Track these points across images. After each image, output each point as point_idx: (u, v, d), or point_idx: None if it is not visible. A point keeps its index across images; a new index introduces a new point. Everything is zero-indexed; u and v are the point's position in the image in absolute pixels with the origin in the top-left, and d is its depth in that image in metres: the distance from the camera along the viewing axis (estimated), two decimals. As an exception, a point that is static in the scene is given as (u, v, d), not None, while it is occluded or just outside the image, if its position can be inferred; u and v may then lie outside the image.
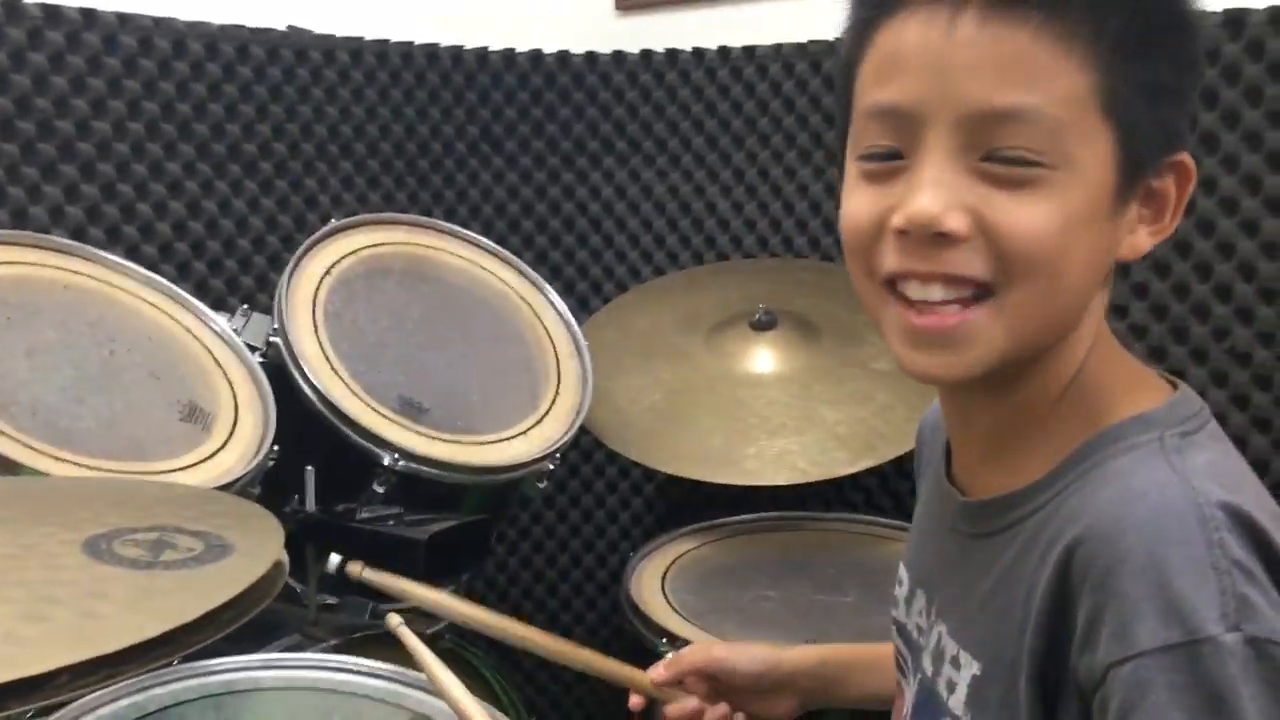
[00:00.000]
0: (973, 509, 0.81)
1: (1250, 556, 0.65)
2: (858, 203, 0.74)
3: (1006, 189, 0.69)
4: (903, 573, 0.92)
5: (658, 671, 1.12)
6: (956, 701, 0.78)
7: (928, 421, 0.98)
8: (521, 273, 1.84)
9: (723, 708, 1.10)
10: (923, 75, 0.70)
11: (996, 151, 0.69)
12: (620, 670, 1.15)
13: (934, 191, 0.69)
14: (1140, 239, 0.74)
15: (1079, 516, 0.70)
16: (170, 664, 1.17)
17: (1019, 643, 0.71)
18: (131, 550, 0.71)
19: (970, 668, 0.77)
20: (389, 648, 1.41)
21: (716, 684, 1.11)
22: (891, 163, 0.72)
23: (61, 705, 1.10)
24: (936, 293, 0.71)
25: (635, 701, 1.14)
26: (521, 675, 2.26)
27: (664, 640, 1.49)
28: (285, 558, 0.76)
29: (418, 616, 1.64)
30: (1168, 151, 0.73)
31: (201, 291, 1.85)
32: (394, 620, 1.12)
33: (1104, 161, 0.70)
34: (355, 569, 1.19)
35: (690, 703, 1.10)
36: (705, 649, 1.13)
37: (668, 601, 1.59)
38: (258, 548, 0.75)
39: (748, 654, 1.11)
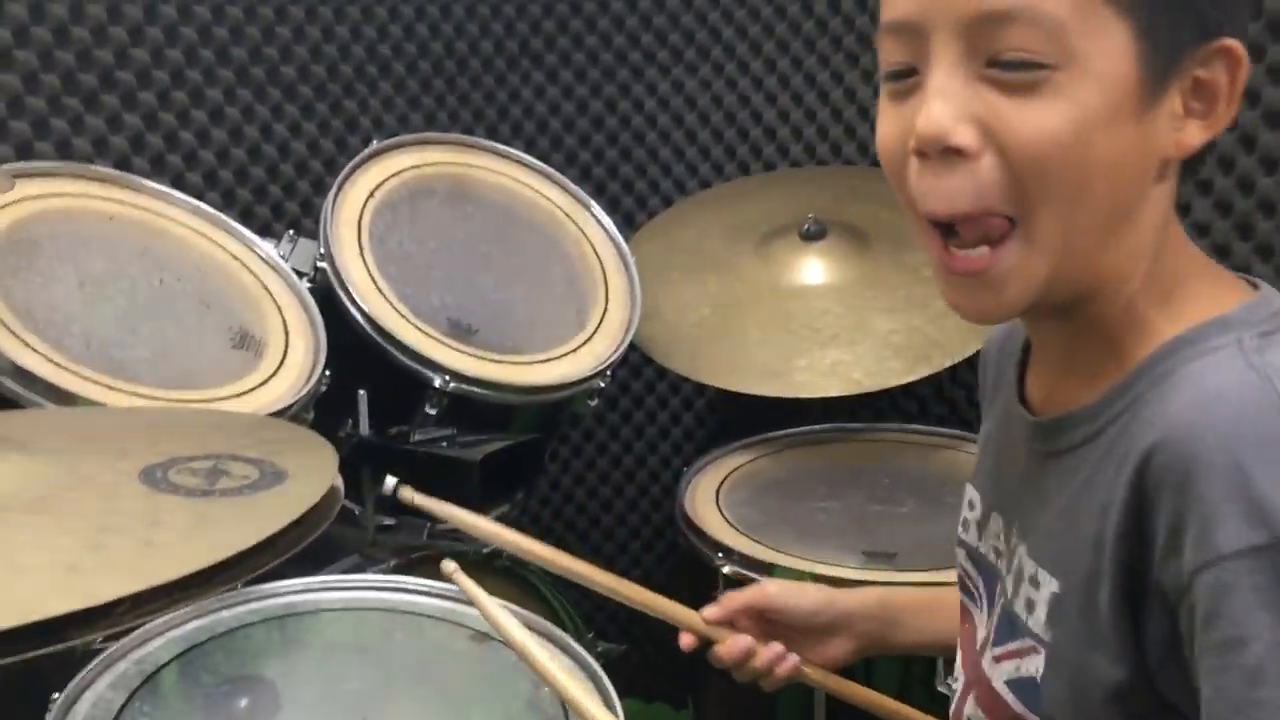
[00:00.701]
0: (1047, 427, 0.79)
1: None
2: (884, 126, 0.73)
3: (1013, 95, 0.67)
4: (974, 495, 0.90)
5: (709, 610, 1.11)
6: (1036, 621, 0.76)
7: (993, 343, 0.95)
8: (565, 189, 1.82)
9: (776, 647, 1.09)
10: None
11: (998, 56, 0.67)
12: (670, 608, 1.14)
13: (940, 104, 0.68)
14: (1190, 134, 0.71)
15: (1155, 423, 0.68)
16: (234, 588, 1.20)
17: (1098, 556, 0.70)
18: (188, 479, 0.71)
19: (1050, 585, 0.76)
20: (446, 566, 1.43)
21: (769, 624, 1.10)
22: (908, 80, 0.71)
23: (129, 631, 1.13)
24: (972, 231, 0.70)
25: (687, 641, 1.12)
26: (579, 591, 2.28)
27: (720, 554, 1.49)
28: (339, 482, 0.76)
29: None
30: (1205, 38, 0.69)
31: (247, 218, 1.85)
32: (449, 566, 1.12)
33: (1120, 55, 0.67)
34: (407, 494, 1.19)
35: (741, 641, 1.09)
36: (760, 588, 1.11)
37: (723, 515, 1.59)
38: (312, 473, 0.75)
39: (801, 593, 1.10)
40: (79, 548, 0.62)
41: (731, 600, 1.11)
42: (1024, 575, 0.79)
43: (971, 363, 1.93)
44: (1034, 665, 0.76)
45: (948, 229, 0.71)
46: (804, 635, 1.10)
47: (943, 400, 2.04)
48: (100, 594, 0.56)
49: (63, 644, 0.58)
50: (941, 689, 1.25)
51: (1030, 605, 0.77)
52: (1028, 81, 0.67)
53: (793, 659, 1.09)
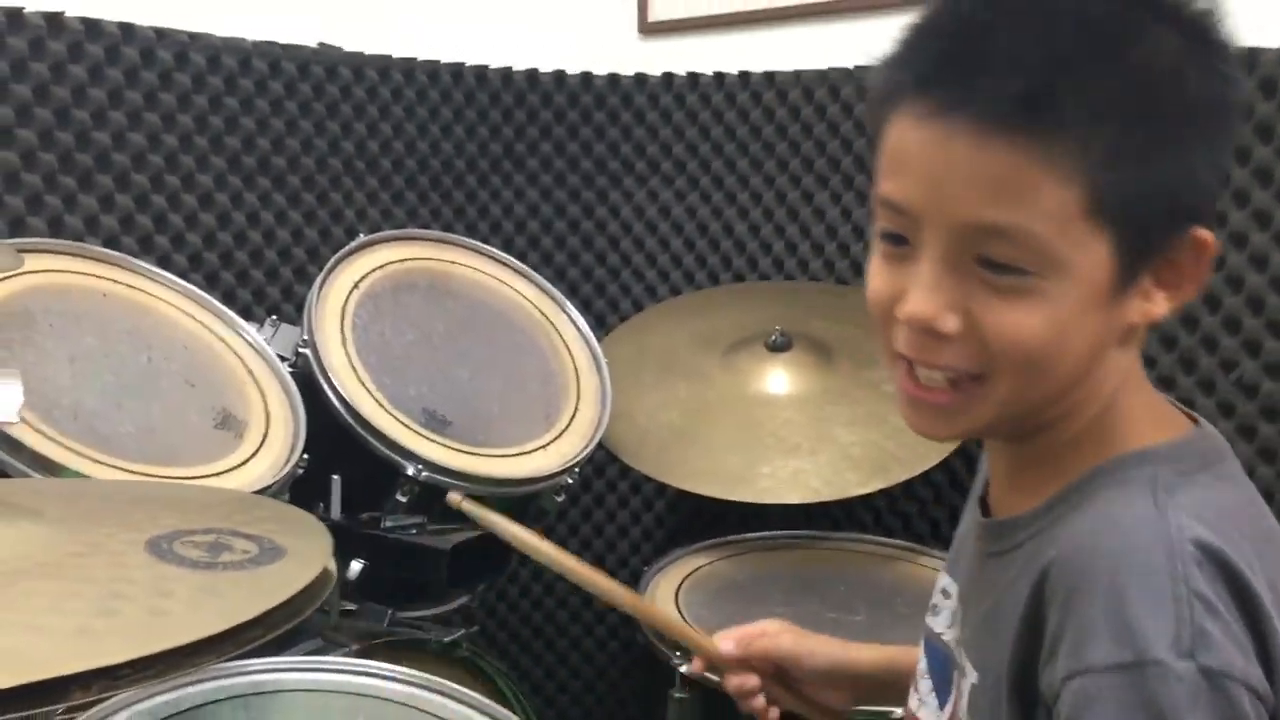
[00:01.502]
0: (989, 528, 0.85)
1: (1218, 593, 0.68)
2: (875, 281, 0.79)
3: (999, 294, 0.73)
4: (948, 584, 0.95)
5: (728, 646, 1.12)
6: (962, 708, 0.82)
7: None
8: (542, 289, 1.88)
9: (776, 691, 1.12)
10: (921, 181, 0.74)
11: (988, 259, 0.73)
12: (690, 634, 1.16)
13: (929, 295, 0.74)
14: (1156, 306, 0.76)
15: (1059, 542, 0.74)
16: (239, 656, 1.21)
17: (1003, 657, 0.76)
18: (191, 551, 0.74)
19: (971, 677, 0.81)
20: (407, 654, 1.45)
21: (780, 670, 1.13)
22: (901, 248, 0.77)
23: (95, 703, 1.14)
24: (936, 378, 0.77)
25: (697, 665, 1.17)
26: (530, 686, 2.29)
27: (678, 654, 1.51)
28: (333, 563, 0.80)
29: (434, 625, 1.69)
30: (1178, 231, 0.74)
31: (229, 301, 1.88)
32: (455, 497, 1.16)
33: (1100, 261, 0.73)
34: (455, 498, 1.20)
35: (750, 682, 1.12)
36: (775, 639, 1.13)
37: (682, 616, 1.62)
38: (308, 551, 0.79)
39: (818, 651, 1.12)
40: (90, 613, 0.65)
41: (751, 646, 1.12)
42: (959, 665, 0.85)
43: (926, 478, 2.00)
44: None
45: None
46: (810, 684, 1.12)
47: (895, 513, 2.09)
48: (112, 656, 0.59)
49: (64, 703, 0.61)
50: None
51: (960, 693, 0.83)
52: (1013, 285, 0.72)
53: (785, 704, 1.13)
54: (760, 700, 1.12)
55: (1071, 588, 0.70)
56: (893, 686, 1.11)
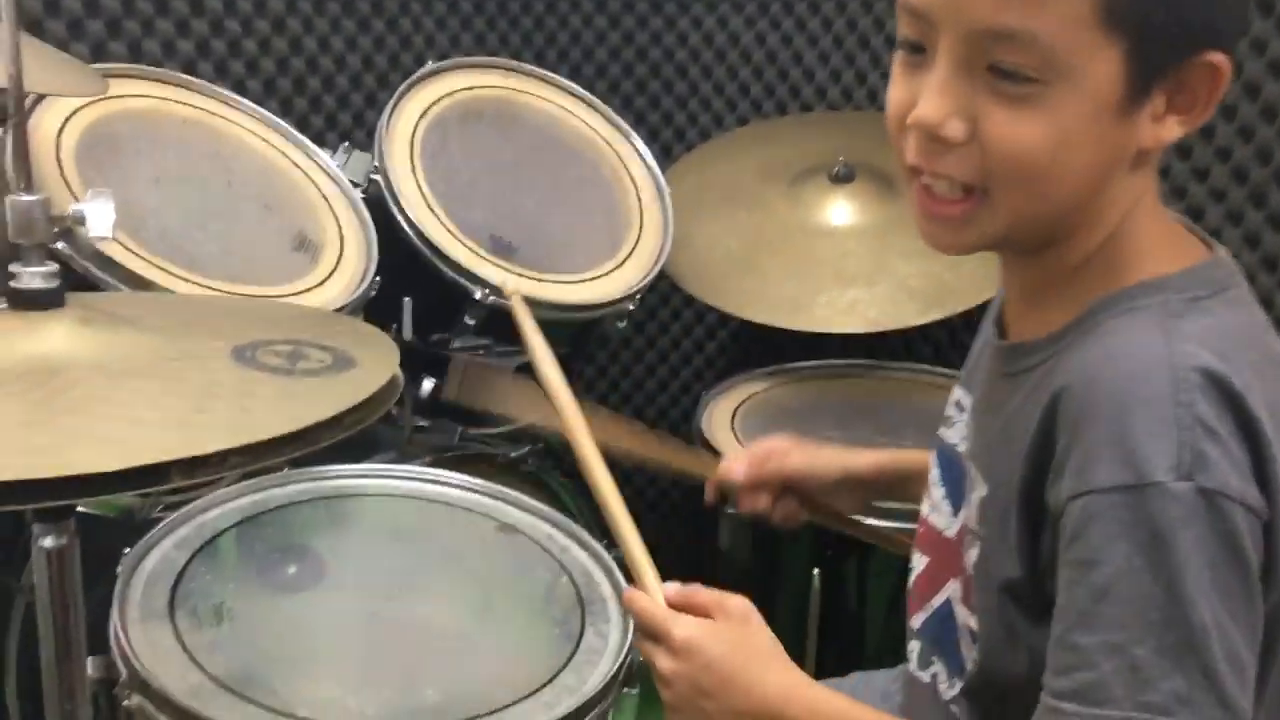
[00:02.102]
0: (1003, 350, 0.88)
1: (1219, 418, 0.72)
2: (893, 92, 0.82)
3: (1005, 102, 0.75)
4: (962, 397, 0.98)
5: (738, 472, 1.19)
6: (971, 518, 0.87)
7: None
8: (607, 118, 1.90)
9: (789, 506, 1.19)
10: None
11: (997, 64, 0.74)
12: (697, 463, 1.23)
13: (938, 99, 0.76)
14: (1168, 129, 0.77)
15: (1069, 368, 0.77)
16: (283, 469, 1.31)
17: (1013, 471, 0.80)
18: (272, 359, 0.82)
19: (981, 489, 0.86)
20: (475, 467, 1.54)
21: (791, 485, 1.19)
22: (917, 56, 0.79)
23: (193, 488, 1.24)
24: (941, 186, 0.79)
25: (711, 495, 1.23)
26: (594, 502, 2.39)
27: (731, 473, 1.59)
28: (400, 373, 0.87)
29: (502, 441, 1.78)
30: (1193, 50, 0.74)
31: (303, 127, 1.92)
32: (513, 287, 1.19)
33: (1109, 72, 0.73)
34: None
35: (760, 502, 1.19)
36: (783, 459, 1.18)
37: (736, 438, 1.69)
38: (378, 362, 0.85)
39: (823, 463, 1.18)
40: (186, 409, 0.73)
41: (760, 469, 1.19)
42: (970, 477, 0.89)
43: (985, 308, 2.01)
44: (974, 554, 0.87)
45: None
46: (818, 494, 1.20)
47: (956, 346, 2.12)
48: (208, 445, 0.66)
49: (168, 484, 0.69)
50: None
51: (969, 503, 0.88)
52: (1020, 93, 0.74)
53: (802, 516, 1.20)
54: (775, 515, 1.20)
55: (1079, 414, 0.74)
56: (896, 486, 1.18)
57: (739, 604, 0.91)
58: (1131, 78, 0.74)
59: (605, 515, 1.02)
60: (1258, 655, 0.73)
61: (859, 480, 1.18)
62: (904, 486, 1.18)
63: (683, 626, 0.89)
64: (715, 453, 1.64)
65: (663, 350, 2.39)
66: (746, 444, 1.67)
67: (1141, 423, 0.72)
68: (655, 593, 0.94)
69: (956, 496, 0.94)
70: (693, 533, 2.37)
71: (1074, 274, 0.83)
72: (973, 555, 0.87)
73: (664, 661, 0.89)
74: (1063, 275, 0.83)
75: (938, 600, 0.95)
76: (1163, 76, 0.76)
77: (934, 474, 0.99)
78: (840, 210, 1.90)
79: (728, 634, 0.89)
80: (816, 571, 1.53)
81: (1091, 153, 0.76)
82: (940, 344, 2.13)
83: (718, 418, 1.76)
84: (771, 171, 1.99)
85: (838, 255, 1.84)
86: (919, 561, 1.00)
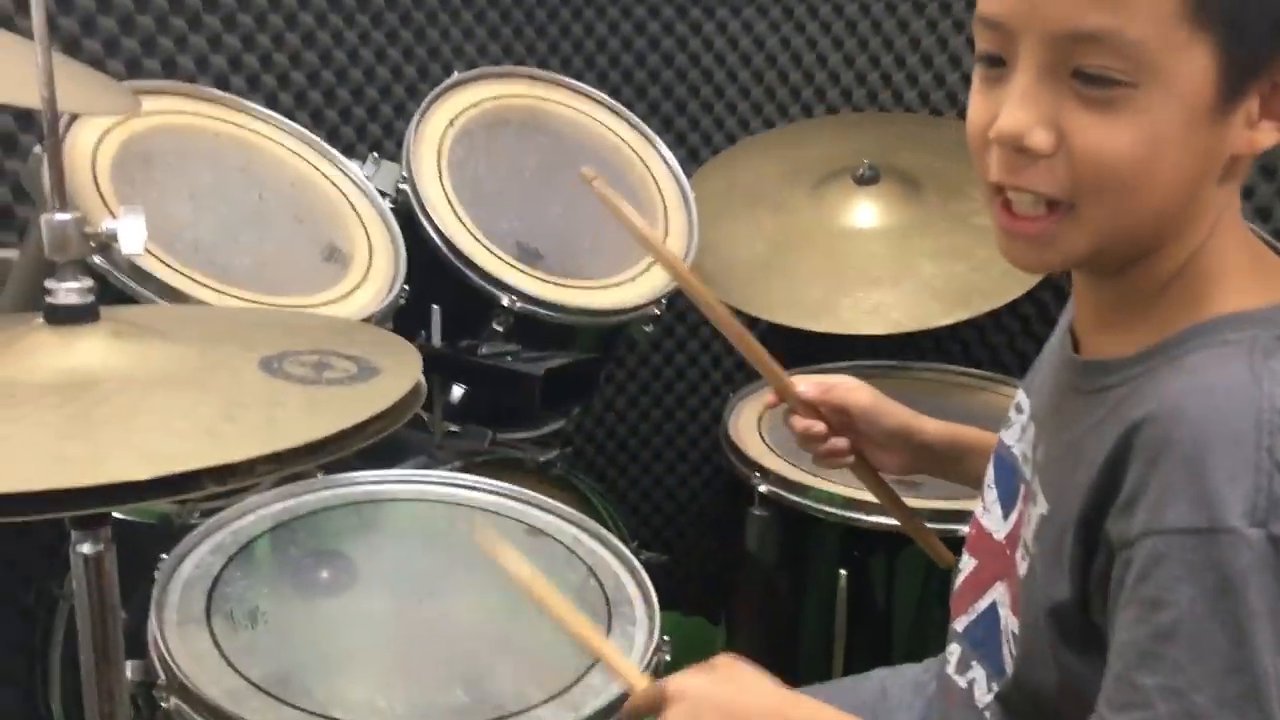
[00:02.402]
0: (1079, 365, 0.86)
1: None
2: (973, 107, 0.79)
3: (1092, 108, 0.72)
4: (1022, 400, 0.97)
5: (805, 387, 1.15)
6: (1029, 534, 0.86)
7: None
8: (634, 125, 1.91)
9: (841, 443, 1.15)
10: None
11: (1082, 68, 0.71)
12: (769, 364, 1.16)
13: (1020, 109, 0.73)
14: (1264, 134, 0.74)
15: (1152, 399, 0.74)
16: (315, 475, 1.34)
17: (1078, 493, 0.78)
18: (298, 369, 0.84)
19: (1041, 507, 0.84)
20: (505, 472, 1.56)
21: (849, 422, 1.15)
22: (997, 69, 0.76)
23: (228, 502, 1.28)
24: (1025, 202, 0.77)
25: (772, 399, 1.18)
26: (626, 507, 2.42)
27: (757, 474, 1.61)
28: (423, 380, 0.89)
29: (532, 445, 1.80)
30: None
31: (333, 139, 1.96)
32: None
33: (1201, 71, 0.70)
34: (598, 183, 1.10)
35: (816, 427, 1.15)
36: (851, 391, 1.15)
37: (763, 439, 1.70)
38: (401, 370, 0.88)
39: (891, 413, 1.15)
40: (216, 418, 0.75)
41: (830, 393, 1.14)
42: (1032, 489, 0.87)
43: (1014, 309, 2.02)
44: (1025, 566, 0.86)
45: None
46: (873, 442, 1.16)
47: (985, 345, 2.12)
48: (238, 453, 0.69)
49: (200, 491, 0.71)
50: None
51: (1028, 519, 0.87)
52: (1107, 97, 0.71)
53: (850, 459, 1.16)
54: (825, 447, 1.15)
55: (1158, 449, 0.72)
56: (954, 462, 1.15)
57: (725, 657, 0.90)
58: (1224, 77, 0.71)
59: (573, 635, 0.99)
60: None
61: (919, 442, 1.14)
62: (961, 462, 1.15)
63: (671, 681, 0.88)
64: (741, 455, 1.65)
65: (692, 353, 2.40)
66: (774, 448, 1.68)
67: (1221, 464, 0.70)
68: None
69: (1008, 501, 0.93)
70: (720, 535, 2.39)
71: (1156, 294, 0.79)
72: (1024, 567, 0.86)
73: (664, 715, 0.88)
74: (1144, 295, 0.80)
75: (983, 603, 0.95)
76: (1256, 76, 0.72)
77: (990, 475, 0.98)
78: (865, 212, 1.91)
79: (715, 673, 0.88)
80: (844, 571, 1.54)
81: (1183, 161, 0.73)
82: (969, 344, 2.13)
83: (744, 421, 1.77)
84: (797, 174, 2.00)
85: (863, 257, 1.84)
86: (967, 564, 0.99)
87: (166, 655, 1.04)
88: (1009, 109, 0.74)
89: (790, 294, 1.82)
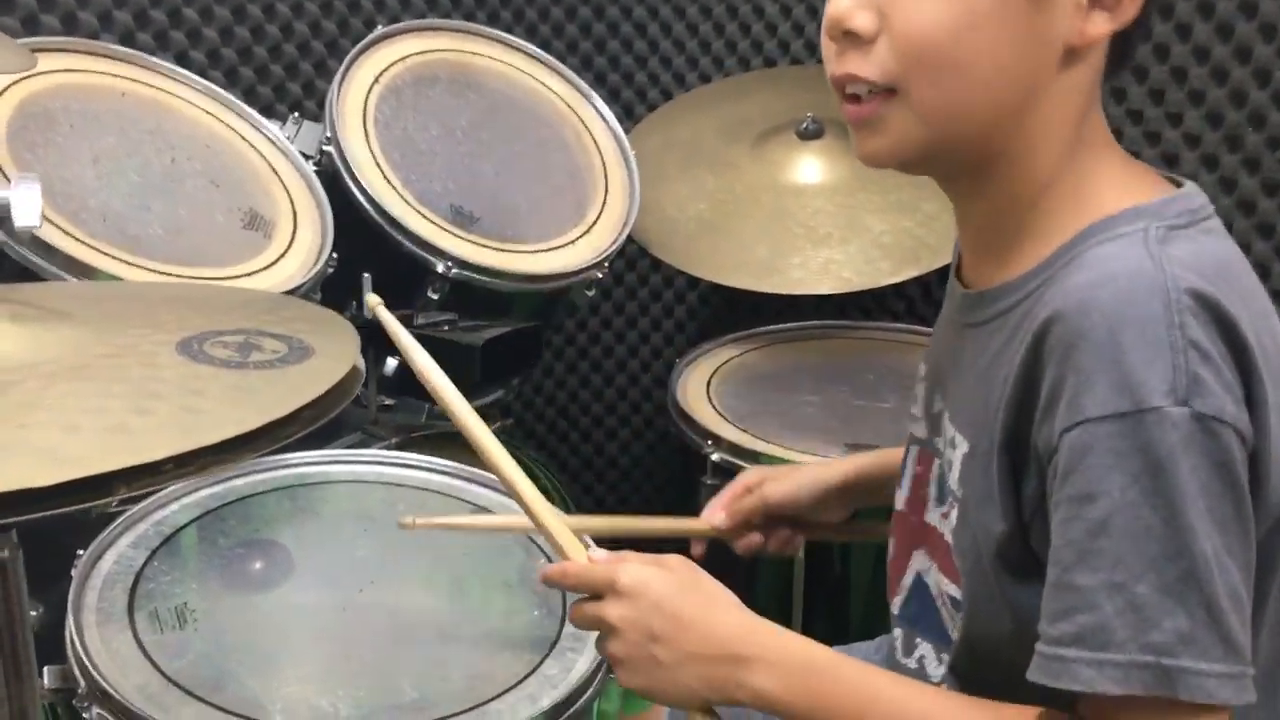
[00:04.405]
0: (970, 299, 0.85)
1: (1212, 340, 0.69)
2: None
3: None
4: (921, 369, 0.97)
5: (718, 520, 1.15)
6: (954, 480, 0.84)
7: None
8: (567, 79, 1.84)
9: (783, 534, 1.16)
10: None
11: None
12: (679, 524, 1.18)
13: None
14: (1095, 23, 0.75)
15: (1054, 299, 0.73)
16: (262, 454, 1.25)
17: (995, 420, 0.77)
18: (221, 351, 0.76)
19: (962, 446, 0.82)
20: (444, 446, 1.49)
21: (773, 512, 1.15)
22: None
23: (147, 495, 1.19)
24: (860, 91, 0.78)
25: (698, 550, 1.17)
26: (567, 476, 2.36)
27: (709, 442, 1.55)
28: (361, 362, 0.81)
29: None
30: None
31: (249, 99, 1.86)
32: (374, 299, 1.12)
33: None
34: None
35: (754, 540, 1.16)
36: (760, 493, 1.15)
37: (713, 406, 1.65)
38: (337, 350, 0.80)
39: (798, 486, 1.15)
40: (126, 411, 0.67)
41: (739, 511, 1.15)
42: (947, 437, 0.86)
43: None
44: (953, 519, 0.84)
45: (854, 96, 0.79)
46: (802, 513, 1.16)
47: (930, 301, 2.09)
48: (149, 453, 0.61)
49: (110, 497, 0.64)
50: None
51: (950, 465, 0.84)
52: None
53: (798, 539, 1.17)
54: (772, 545, 1.16)
55: (1069, 342, 0.71)
56: (874, 489, 1.14)
57: (679, 558, 0.87)
58: None
59: (515, 499, 0.94)
60: (1253, 590, 0.71)
61: (837, 490, 1.14)
62: (880, 489, 1.13)
63: (628, 569, 0.84)
64: (692, 422, 1.60)
65: (631, 316, 2.34)
66: (724, 412, 1.63)
67: (1136, 346, 0.69)
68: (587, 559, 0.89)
69: (909, 470, 0.94)
70: (668, 504, 2.34)
71: (1034, 211, 0.80)
72: (951, 520, 0.84)
73: (611, 609, 0.83)
74: (1021, 208, 0.80)
75: (908, 579, 0.94)
76: None
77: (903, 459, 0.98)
78: (810, 168, 1.86)
79: (675, 576, 0.84)
80: (800, 541, 1.50)
81: (1003, 38, 0.74)
82: (914, 300, 2.10)
83: (693, 387, 1.71)
84: (737, 130, 1.94)
85: (808, 214, 1.79)
86: (890, 547, 0.98)
87: (86, 660, 0.96)
88: None
89: (736, 254, 1.77)
